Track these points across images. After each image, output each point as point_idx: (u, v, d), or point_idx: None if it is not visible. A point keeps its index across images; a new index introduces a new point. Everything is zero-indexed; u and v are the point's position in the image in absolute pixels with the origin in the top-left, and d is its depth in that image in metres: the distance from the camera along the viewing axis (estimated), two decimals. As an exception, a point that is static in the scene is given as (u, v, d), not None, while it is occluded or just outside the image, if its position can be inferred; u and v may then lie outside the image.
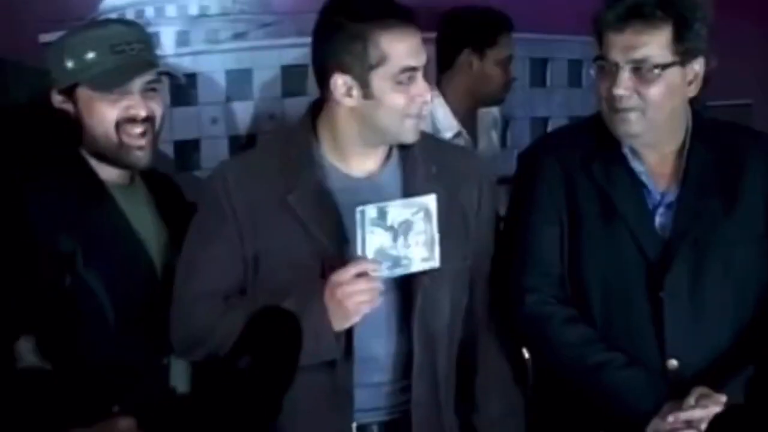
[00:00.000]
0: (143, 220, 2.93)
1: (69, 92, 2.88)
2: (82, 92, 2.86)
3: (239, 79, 3.56)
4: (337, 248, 2.74)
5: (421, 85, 2.75)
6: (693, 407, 2.73)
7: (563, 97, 3.76)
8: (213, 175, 2.89)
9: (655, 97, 2.78)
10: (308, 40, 2.85)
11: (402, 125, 2.78)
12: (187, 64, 3.45)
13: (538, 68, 3.88)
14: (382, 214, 2.65)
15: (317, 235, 2.75)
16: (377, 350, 2.81)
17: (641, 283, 2.85)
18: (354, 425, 2.81)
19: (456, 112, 3.86)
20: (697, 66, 2.82)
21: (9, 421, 2.35)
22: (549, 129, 3.99)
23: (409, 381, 2.82)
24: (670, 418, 2.73)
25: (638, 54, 2.76)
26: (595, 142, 2.90)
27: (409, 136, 2.80)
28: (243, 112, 3.58)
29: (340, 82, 2.74)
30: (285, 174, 2.78)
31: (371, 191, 2.80)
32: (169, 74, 2.99)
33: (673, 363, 2.83)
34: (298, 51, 3.39)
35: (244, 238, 2.78)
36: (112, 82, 2.84)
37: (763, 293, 2.89)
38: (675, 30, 2.76)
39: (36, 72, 3.15)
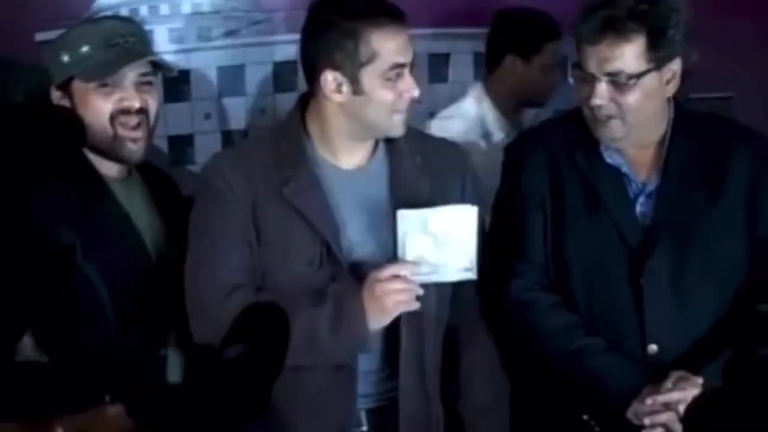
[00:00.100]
0: (140, 213, 2.97)
1: (65, 87, 2.92)
2: (77, 85, 2.91)
3: (231, 76, 3.60)
4: (332, 237, 2.81)
5: (408, 81, 2.81)
6: (670, 390, 2.79)
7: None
8: (208, 168, 2.93)
9: (632, 104, 2.84)
10: (298, 37, 2.88)
11: (390, 120, 2.84)
12: (180, 61, 3.47)
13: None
14: (424, 220, 2.72)
15: (314, 224, 2.81)
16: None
17: (622, 270, 2.91)
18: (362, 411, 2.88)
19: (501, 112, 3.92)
20: (675, 66, 2.88)
21: (4, 412, 2.37)
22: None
23: (395, 368, 2.87)
24: (649, 401, 2.80)
25: (613, 66, 2.82)
26: (579, 133, 2.96)
27: (397, 131, 2.87)
28: (235, 107, 3.61)
29: (330, 78, 2.79)
30: (280, 166, 2.84)
31: (359, 182, 2.89)
32: (162, 67, 3.01)
33: (653, 348, 2.89)
34: (288, 48, 3.42)
35: (248, 225, 2.83)
36: (103, 71, 2.88)
37: (744, 281, 2.95)
38: (648, 40, 2.81)
39: (33, 70, 3.20)
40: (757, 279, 2.95)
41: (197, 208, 2.89)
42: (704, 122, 3.04)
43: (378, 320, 2.77)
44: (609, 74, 2.82)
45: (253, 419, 2.29)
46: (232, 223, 2.82)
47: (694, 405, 2.66)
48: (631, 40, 2.81)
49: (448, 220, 2.75)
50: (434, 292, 2.89)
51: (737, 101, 3.93)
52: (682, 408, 2.78)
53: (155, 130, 3.01)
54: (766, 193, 2.95)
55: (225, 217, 2.83)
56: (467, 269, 2.77)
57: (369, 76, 2.79)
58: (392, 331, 2.85)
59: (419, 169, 2.91)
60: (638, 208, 2.94)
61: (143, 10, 3.49)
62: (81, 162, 2.94)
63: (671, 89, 2.91)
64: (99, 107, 2.89)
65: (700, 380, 2.79)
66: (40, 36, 3.36)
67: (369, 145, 2.93)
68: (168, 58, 3.31)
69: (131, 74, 2.90)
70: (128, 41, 2.92)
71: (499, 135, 3.87)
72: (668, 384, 2.81)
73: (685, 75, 2.94)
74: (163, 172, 3.19)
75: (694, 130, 2.98)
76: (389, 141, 2.93)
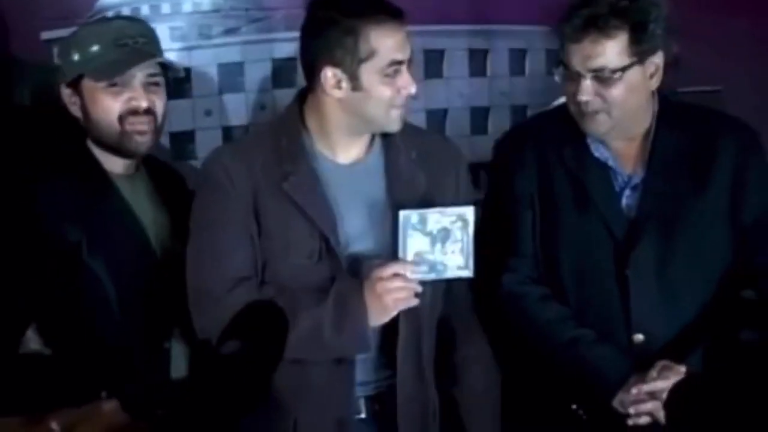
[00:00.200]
0: (145, 209, 3.02)
1: (75, 85, 2.98)
2: (87, 84, 2.96)
3: (231, 73, 3.61)
4: (331, 231, 2.87)
5: (406, 78, 2.87)
6: (655, 379, 2.86)
7: (542, 85, 3.86)
8: (209, 162, 2.97)
9: (617, 98, 2.91)
10: (297, 34, 2.93)
11: (388, 115, 2.90)
12: (181, 58, 3.47)
13: (517, 58, 3.95)
14: (423, 220, 2.80)
15: (312, 219, 2.87)
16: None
17: (609, 262, 2.98)
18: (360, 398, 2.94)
19: None
20: (657, 59, 2.95)
21: (6, 403, 2.37)
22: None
23: (392, 357, 2.94)
24: (634, 390, 2.87)
25: (596, 63, 2.89)
26: (566, 129, 3.03)
27: (394, 126, 2.93)
28: (235, 103, 3.62)
29: (330, 74, 2.85)
30: (279, 161, 2.89)
31: (356, 177, 2.95)
32: (169, 67, 3.04)
33: (639, 337, 2.96)
34: (287, 45, 3.46)
35: (249, 218, 2.88)
36: (112, 71, 2.93)
37: (728, 271, 3.01)
38: (630, 35, 2.88)
39: (39, 68, 3.28)
40: (741, 266, 3.01)
41: (198, 201, 2.94)
42: (688, 114, 3.09)
43: (379, 317, 2.84)
44: (593, 70, 2.89)
45: (251, 411, 2.32)
46: (234, 217, 2.88)
47: (675, 390, 2.73)
48: (614, 36, 2.88)
49: (447, 220, 2.82)
50: (429, 283, 2.93)
51: (726, 95, 3.95)
52: (665, 395, 2.84)
53: (163, 128, 3.06)
54: (750, 183, 3.01)
55: (227, 210, 2.88)
56: (464, 268, 2.85)
57: (368, 73, 2.84)
58: (390, 321, 2.89)
59: (415, 164, 2.97)
60: (624, 201, 3.01)
61: (145, 9, 3.50)
62: (87, 159, 2.99)
63: (655, 82, 2.98)
64: (108, 107, 2.95)
65: (683, 369, 2.86)
66: (46, 35, 3.37)
67: (366, 139, 2.98)
68: (169, 55, 3.30)
69: (140, 74, 2.96)
70: (138, 42, 2.97)
71: None
72: (653, 373, 2.88)
73: (670, 68, 3.00)
74: (169, 166, 3.24)
75: (679, 122, 3.04)
76: (385, 136, 2.98)
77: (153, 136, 3.00)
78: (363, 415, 2.97)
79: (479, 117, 3.95)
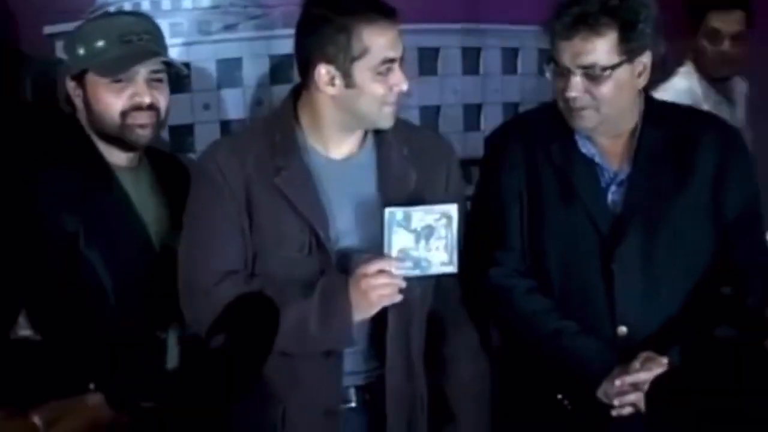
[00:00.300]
0: (146, 202, 3.05)
1: (80, 78, 3.01)
2: (91, 78, 2.99)
3: (230, 68, 3.64)
4: (321, 225, 2.91)
5: (398, 75, 2.90)
6: (638, 370, 2.90)
7: (533, 84, 3.90)
8: (205, 157, 3.01)
9: (606, 95, 2.95)
10: (294, 31, 2.96)
11: (380, 112, 2.93)
12: (180, 53, 3.51)
13: (509, 57, 3.99)
14: (407, 217, 2.83)
15: (303, 213, 2.90)
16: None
17: (594, 256, 3.02)
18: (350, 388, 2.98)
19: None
20: (645, 59, 2.98)
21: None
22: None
23: (381, 348, 2.98)
24: (617, 382, 2.91)
25: (586, 60, 2.92)
26: (555, 126, 3.06)
27: (387, 122, 2.96)
28: (233, 98, 3.65)
29: (323, 71, 2.88)
30: (272, 156, 2.92)
31: (348, 172, 2.98)
32: (173, 64, 3.07)
33: (623, 330, 3.00)
34: (284, 42, 3.42)
35: (241, 213, 2.91)
36: (116, 67, 2.96)
37: (711, 265, 3.06)
38: (620, 34, 2.91)
39: (41, 62, 3.33)
40: (722, 262, 3.06)
41: (193, 195, 2.97)
42: (673, 112, 3.14)
43: (363, 312, 2.88)
44: (583, 67, 2.93)
45: (238, 401, 2.33)
46: (225, 213, 2.91)
47: (655, 383, 2.75)
48: (604, 34, 2.91)
49: (431, 217, 2.86)
50: (419, 282, 2.96)
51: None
52: (647, 387, 2.86)
53: (165, 123, 3.11)
54: (732, 179, 3.06)
55: (219, 205, 2.91)
56: (448, 264, 2.89)
57: (361, 70, 2.87)
58: (379, 312, 2.92)
59: (406, 160, 3.00)
60: (610, 197, 3.05)
61: (146, 5, 3.53)
62: (89, 151, 3.02)
63: (642, 81, 3.02)
64: (111, 102, 2.98)
65: (665, 360, 2.89)
66: (48, 29, 3.41)
67: (358, 135, 3.01)
68: (169, 51, 3.34)
69: (143, 71, 2.98)
70: (142, 38, 3.00)
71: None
72: (636, 365, 2.91)
73: (657, 67, 3.05)
74: (174, 158, 3.27)
75: (664, 120, 3.08)
76: (378, 132, 3.01)
77: (154, 129, 3.03)
78: (353, 405, 3.00)
79: (472, 114, 3.99)
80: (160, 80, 3.03)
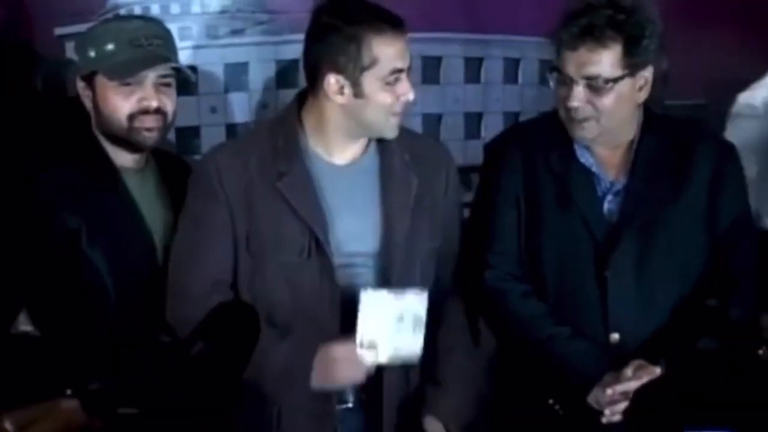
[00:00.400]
0: (151, 204, 3.07)
1: (89, 79, 3.03)
2: (100, 80, 3.01)
3: (237, 72, 3.66)
4: (321, 230, 2.93)
5: (405, 85, 2.93)
6: (629, 379, 2.92)
7: (534, 94, 3.94)
8: (205, 160, 3.03)
9: (607, 107, 2.98)
10: (301, 36, 2.99)
11: (387, 121, 2.96)
12: (188, 57, 3.53)
13: (511, 67, 4.02)
14: (380, 301, 2.87)
15: (304, 217, 2.92)
16: None
17: (589, 263, 3.05)
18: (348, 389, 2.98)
19: None
20: (647, 74, 3.01)
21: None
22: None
23: None
24: (609, 391, 2.93)
25: (590, 71, 2.95)
26: (554, 134, 3.09)
27: (392, 132, 2.99)
28: (240, 102, 3.68)
29: (333, 81, 2.90)
30: (275, 160, 2.94)
31: (351, 177, 3.01)
32: (180, 70, 3.09)
33: (615, 336, 3.03)
34: (291, 47, 3.51)
35: (237, 218, 2.92)
36: (125, 71, 2.98)
37: (704, 274, 3.08)
38: (624, 47, 2.94)
39: (52, 62, 3.35)
40: (714, 272, 3.09)
41: (190, 198, 2.99)
42: (670, 125, 3.17)
43: (320, 383, 2.90)
44: (587, 78, 2.95)
45: (218, 407, 2.33)
46: (219, 217, 2.93)
47: (639, 391, 2.78)
48: (609, 46, 2.94)
49: (401, 303, 2.89)
50: (418, 278, 3.01)
51: (710, 108, 4.01)
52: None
53: (172, 126, 3.13)
54: (725, 192, 3.09)
55: (212, 209, 2.93)
56: (414, 351, 2.92)
57: (370, 80, 2.89)
58: None
59: (408, 166, 3.03)
60: (606, 206, 3.08)
61: (155, 9, 3.55)
62: (96, 152, 3.04)
63: (643, 95, 3.05)
64: (119, 105, 3.00)
65: (658, 370, 2.91)
66: (59, 30, 3.42)
67: (362, 142, 3.03)
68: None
69: (152, 75, 3.00)
70: (152, 43, 3.02)
71: None
72: (628, 372, 2.93)
73: (658, 82, 3.07)
74: (180, 159, 3.28)
75: (661, 133, 3.12)
76: (380, 139, 3.03)
77: (161, 132, 3.05)
78: (350, 405, 3.02)
79: (473, 122, 4.02)
80: (168, 84, 3.05)
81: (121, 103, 3.00)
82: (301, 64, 3.05)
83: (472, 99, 4.01)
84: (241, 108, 3.71)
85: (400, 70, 2.92)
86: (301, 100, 3.03)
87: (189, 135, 3.63)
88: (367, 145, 3.05)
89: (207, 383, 2.30)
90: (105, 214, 2.98)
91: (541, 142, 3.14)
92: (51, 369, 2.48)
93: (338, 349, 2.89)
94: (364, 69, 2.88)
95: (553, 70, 3.03)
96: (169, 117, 3.07)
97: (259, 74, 3.71)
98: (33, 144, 3.10)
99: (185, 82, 3.24)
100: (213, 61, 3.66)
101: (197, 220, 2.97)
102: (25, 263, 2.90)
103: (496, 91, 4.04)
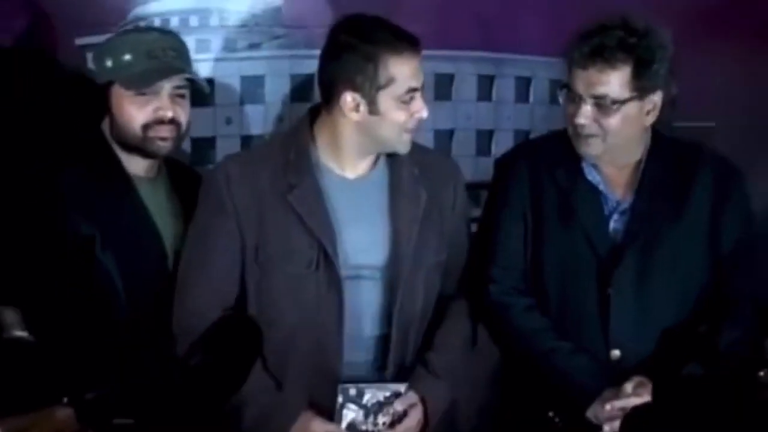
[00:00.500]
0: (163, 212, 3.09)
1: (106, 89, 3.06)
2: (117, 90, 3.04)
3: (253, 85, 3.68)
4: (329, 242, 2.95)
5: (419, 104, 2.95)
6: (629, 395, 2.93)
7: (544, 113, 3.93)
8: (216, 171, 3.05)
9: (613, 127, 2.99)
10: (316, 52, 3.02)
11: (400, 138, 2.98)
12: (206, 69, 3.56)
13: (522, 86, 4.02)
14: (360, 394, 2.93)
15: (313, 230, 2.94)
16: (365, 332, 3.02)
17: (592, 280, 3.06)
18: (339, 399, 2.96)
19: None
20: (656, 98, 3.02)
21: None
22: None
23: (386, 360, 3.02)
24: (608, 407, 2.94)
25: (599, 90, 2.97)
26: (562, 151, 3.11)
27: (404, 148, 3.01)
28: (255, 114, 3.69)
29: (349, 98, 2.92)
30: (286, 173, 2.96)
31: (361, 191, 3.03)
32: (197, 81, 3.12)
33: (616, 353, 3.04)
34: (306, 62, 3.51)
35: (246, 230, 2.94)
36: (142, 81, 3.01)
37: (705, 295, 3.10)
38: (634, 70, 2.96)
39: (73, 72, 3.35)
40: (715, 293, 3.10)
41: (200, 209, 3.01)
42: (677, 147, 3.18)
43: None
44: (594, 97, 2.97)
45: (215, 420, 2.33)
46: (228, 233, 2.95)
47: (628, 417, 2.76)
48: (618, 68, 2.96)
49: (381, 394, 2.95)
50: (422, 291, 3.04)
51: (718, 130, 4.03)
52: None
53: (185, 136, 3.15)
54: (728, 213, 3.11)
55: (222, 225, 2.95)
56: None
57: (385, 99, 2.92)
58: (386, 327, 3.01)
59: (417, 180, 3.05)
60: (612, 225, 3.09)
61: (174, 21, 3.57)
62: (110, 159, 3.06)
63: (650, 119, 3.06)
64: (134, 114, 3.03)
65: None
66: (80, 40, 3.44)
67: (373, 156, 3.06)
68: (195, 66, 3.39)
69: (167, 85, 3.03)
70: (168, 55, 3.05)
71: None
72: (628, 389, 2.94)
73: (666, 106, 3.08)
74: (191, 170, 3.30)
75: (667, 155, 3.13)
76: (390, 153, 3.05)
77: (175, 142, 3.08)
78: None
79: (484, 139, 4.02)
80: (182, 96, 3.08)
81: (137, 113, 3.03)
82: (315, 79, 3.07)
83: (484, 116, 4.02)
84: (256, 120, 3.72)
85: (415, 89, 2.94)
86: (314, 114, 3.05)
87: (204, 145, 3.65)
88: (377, 160, 3.07)
89: (204, 395, 2.29)
90: (118, 221, 3.00)
91: (549, 158, 3.15)
92: (48, 376, 2.42)
93: (317, 427, 2.93)
94: (380, 88, 2.90)
95: (563, 87, 3.05)
96: (183, 127, 3.09)
97: (275, 87, 3.72)
98: (48, 150, 3.12)
99: (201, 93, 3.26)
100: (230, 74, 3.68)
101: (205, 233, 2.99)
102: (29, 267, 2.90)
103: (508, 109, 4.05)
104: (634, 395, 2.93)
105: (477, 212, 3.41)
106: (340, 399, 2.91)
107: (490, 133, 4.04)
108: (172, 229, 3.09)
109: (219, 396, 2.33)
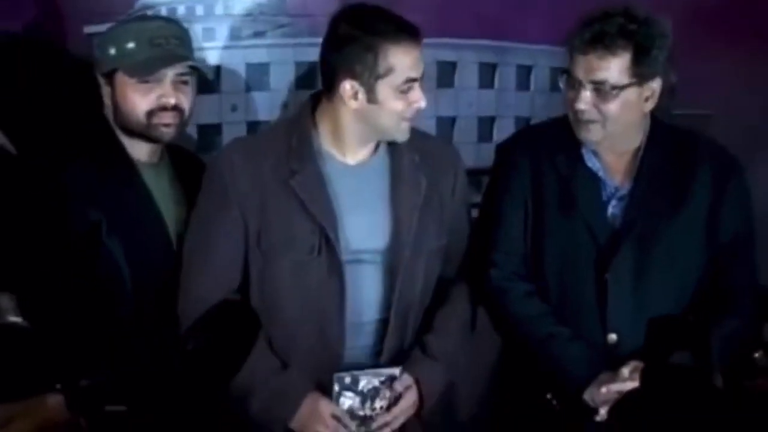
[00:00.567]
0: (166, 197, 3.09)
1: (110, 77, 3.07)
2: (120, 78, 3.05)
3: (258, 72, 3.69)
4: (331, 227, 2.95)
5: (417, 94, 2.95)
6: (626, 380, 2.94)
7: (545, 100, 3.94)
8: (219, 158, 3.05)
9: (612, 113, 2.99)
10: (319, 39, 3.02)
11: (398, 126, 2.98)
12: (212, 57, 3.59)
13: (523, 74, 4.04)
14: (355, 381, 2.93)
15: (315, 215, 2.94)
16: (365, 316, 3.02)
17: (590, 266, 3.07)
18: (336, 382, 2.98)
19: None
20: (655, 85, 3.02)
21: None
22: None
23: (383, 345, 3.03)
24: (604, 390, 2.95)
25: (598, 76, 2.97)
26: (562, 138, 3.11)
27: (403, 136, 3.01)
28: (260, 101, 3.70)
29: (348, 87, 2.92)
30: (288, 159, 2.96)
31: (362, 177, 3.03)
32: (199, 69, 3.13)
33: (613, 337, 3.05)
34: (310, 50, 3.47)
35: (249, 216, 2.94)
36: (145, 70, 3.01)
37: (702, 285, 3.11)
38: (633, 56, 2.96)
39: (81, 60, 3.31)
40: (711, 282, 3.11)
41: (202, 195, 3.01)
42: (676, 136, 3.17)
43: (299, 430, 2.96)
44: (594, 82, 2.97)
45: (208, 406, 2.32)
46: (230, 220, 2.95)
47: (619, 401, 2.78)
48: (618, 54, 2.96)
49: (375, 380, 2.95)
50: (422, 277, 3.05)
51: (715, 119, 4.03)
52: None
53: (188, 123, 3.15)
54: (727, 202, 3.10)
55: (225, 213, 2.96)
56: (387, 423, 2.98)
57: (384, 88, 2.92)
58: (385, 312, 3.02)
59: (417, 167, 3.05)
60: (610, 210, 3.09)
61: (181, 10, 3.57)
62: (114, 146, 3.07)
63: (649, 105, 3.06)
64: (138, 101, 3.04)
65: None
66: (89, 29, 3.45)
67: (373, 143, 3.06)
68: (201, 54, 3.43)
69: (170, 73, 3.03)
70: (171, 43, 3.05)
71: None
72: (624, 373, 2.95)
73: (665, 94, 3.08)
74: (193, 156, 3.30)
75: (666, 142, 3.13)
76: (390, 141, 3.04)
77: (178, 128, 3.08)
78: None
79: (486, 126, 4.03)
80: (185, 82, 3.08)
81: (141, 100, 3.03)
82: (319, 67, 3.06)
83: (486, 103, 4.03)
84: (261, 106, 3.73)
85: (413, 80, 2.93)
86: (316, 101, 3.05)
87: (210, 132, 3.66)
88: (377, 146, 3.07)
89: (200, 379, 2.29)
90: (123, 206, 3.01)
91: (549, 145, 3.15)
92: (41, 362, 2.40)
93: (324, 407, 2.94)
94: (379, 77, 2.90)
95: (563, 72, 3.05)
96: (186, 113, 3.09)
97: (279, 75, 3.73)
98: (53, 138, 3.12)
99: (207, 81, 3.28)
100: (235, 62, 3.69)
101: (209, 220, 2.99)
102: (31, 255, 2.86)
103: (509, 96, 4.06)
104: (630, 380, 2.93)
105: (478, 198, 3.41)
106: (336, 388, 2.92)
107: (491, 120, 4.04)
108: (175, 214, 3.10)
109: (216, 381, 2.33)
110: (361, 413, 2.96)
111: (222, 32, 3.67)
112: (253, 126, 3.75)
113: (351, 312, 2.98)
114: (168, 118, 3.05)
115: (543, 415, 3.10)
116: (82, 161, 3.02)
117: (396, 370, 2.97)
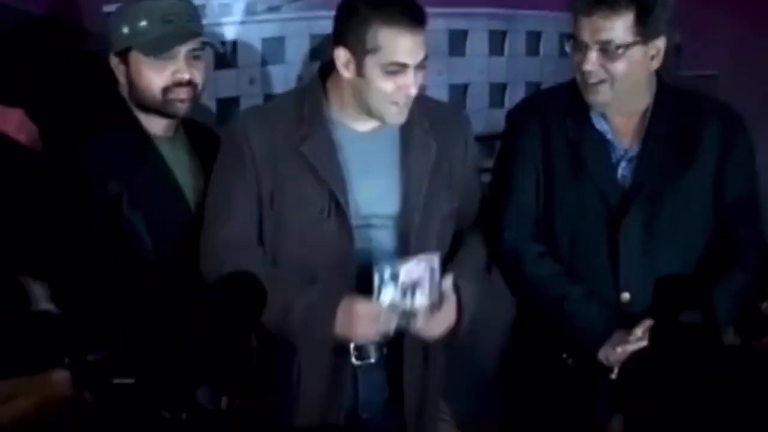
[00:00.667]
0: (183, 169, 3.09)
1: (123, 55, 3.06)
2: (134, 56, 3.04)
3: (273, 46, 3.68)
4: (340, 191, 2.95)
5: (408, 79, 2.89)
6: (640, 339, 2.92)
7: (554, 66, 3.92)
8: (235, 124, 3.07)
9: (619, 72, 2.96)
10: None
11: (387, 108, 2.94)
12: (229, 32, 3.58)
13: (533, 40, 4.04)
14: (395, 273, 2.87)
15: (324, 179, 2.94)
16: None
17: (602, 226, 3.04)
18: (352, 345, 2.98)
19: None
20: (659, 43, 2.99)
21: (14, 359, 2.23)
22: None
23: None
24: (619, 349, 2.93)
25: (604, 36, 2.94)
26: (571, 102, 3.09)
27: (394, 120, 2.97)
28: (277, 74, 3.69)
29: (341, 54, 2.92)
30: (299, 126, 2.96)
31: (372, 144, 3.01)
32: (210, 44, 3.14)
33: (626, 296, 3.03)
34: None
35: (263, 179, 2.95)
36: (159, 47, 3.00)
37: (709, 243, 3.09)
38: (637, 15, 2.93)
39: (100, 39, 3.28)
40: (719, 241, 3.08)
41: (220, 159, 3.02)
42: (682, 96, 3.14)
43: (342, 337, 2.92)
44: (600, 43, 2.95)
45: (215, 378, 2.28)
46: (247, 182, 2.96)
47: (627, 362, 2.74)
48: (622, 14, 2.93)
49: (416, 269, 2.89)
50: (435, 240, 3.02)
51: (721, 79, 4.01)
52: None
53: (201, 96, 3.15)
54: (734, 163, 3.08)
55: (240, 172, 2.96)
56: (430, 311, 2.93)
57: (371, 64, 2.89)
58: None
59: (427, 133, 3.02)
60: (620, 172, 3.07)
61: None
62: (131, 122, 3.07)
63: (655, 64, 3.03)
64: (153, 78, 3.03)
65: None
66: (107, 7, 3.36)
67: None
68: (218, 29, 3.43)
69: (183, 49, 3.03)
70: (182, 19, 3.04)
71: None
72: (638, 332, 2.93)
73: (670, 53, 3.06)
74: (209, 129, 3.29)
75: (673, 103, 3.10)
76: None
77: (192, 103, 3.08)
78: (372, 360, 3.03)
79: (497, 92, 4.02)
80: (198, 57, 3.08)
81: (155, 77, 3.03)
82: (333, 38, 3.05)
83: (496, 70, 4.02)
84: (278, 80, 3.72)
85: (402, 65, 2.88)
86: (327, 70, 3.04)
87: (229, 105, 3.66)
88: None
89: (209, 350, 2.26)
90: (142, 179, 3.01)
91: (558, 109, 3.13)
92: (54, 339, 2.35)
93: (361, 307, 2.89)
94: (367, 52, 2.88)
95: (569, 37, 3.03)
96: (199, 88, 3.09)
97: (295, 48, 3.72)
98: (72, 114, 3.12)
99: (224, 56, 3.28)
100: (251, 36, 3.68)
101: (227, 179, 3.00)
102: (58, 238, 2.86)
103: (519, 62, 4.05)
104: (644, 339, 2.91)
105: (490, 163, 3.39)
106: (376, 281, 2.86)
107: (503, 86, 4.03)
108: (194, 185, 3.10)
109: (222, 351, 2.29)
110: (402, 305, 2.89)
111: (238, 7, 3.65)
112: (270, 98, 3.70)
113: (360, 275, 2.96)
114: (183, 93, 3.05)
115: (558, 375, 3.09)
116: (99, 137, 3.02)
117: (434, 256, 2.93)
